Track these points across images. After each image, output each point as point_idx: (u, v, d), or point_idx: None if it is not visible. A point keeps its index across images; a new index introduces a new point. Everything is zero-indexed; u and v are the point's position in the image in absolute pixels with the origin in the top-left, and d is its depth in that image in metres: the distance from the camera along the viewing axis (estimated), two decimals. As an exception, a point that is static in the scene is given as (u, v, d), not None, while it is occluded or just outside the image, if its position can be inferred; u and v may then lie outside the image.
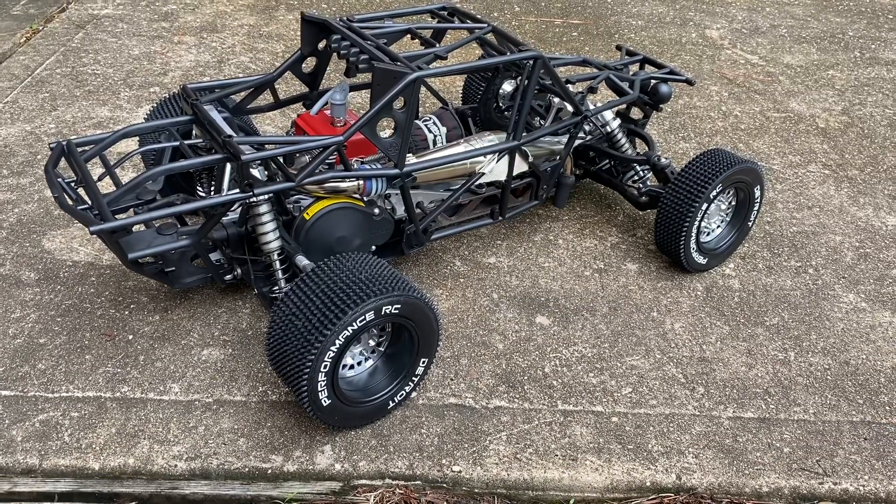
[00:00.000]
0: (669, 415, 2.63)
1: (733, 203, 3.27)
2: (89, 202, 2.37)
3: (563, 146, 3.19)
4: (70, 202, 2.34)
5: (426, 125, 3.17)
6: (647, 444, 2.51)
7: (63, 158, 2.50)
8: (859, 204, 3.86)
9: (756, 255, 3.43)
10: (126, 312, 2.88)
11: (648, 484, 2.40)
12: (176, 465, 2.34)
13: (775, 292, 3.22)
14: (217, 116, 2.61)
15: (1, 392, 2.53)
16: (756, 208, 3.26)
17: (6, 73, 4.57)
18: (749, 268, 3.35)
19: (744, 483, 2.42)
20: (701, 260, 3.20)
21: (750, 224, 3.30)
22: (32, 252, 3.15)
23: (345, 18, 2.88)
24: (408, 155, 2.77)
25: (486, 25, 2.99)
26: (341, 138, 2.46)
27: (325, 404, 2.27)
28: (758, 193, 3.21)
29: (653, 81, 3.43)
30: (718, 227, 3.30)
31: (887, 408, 2.70)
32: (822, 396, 2.74)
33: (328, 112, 2.97)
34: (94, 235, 2.31)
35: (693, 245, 3.11)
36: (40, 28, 5.21)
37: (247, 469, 2.35)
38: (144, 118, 3.10)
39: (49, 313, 2.85)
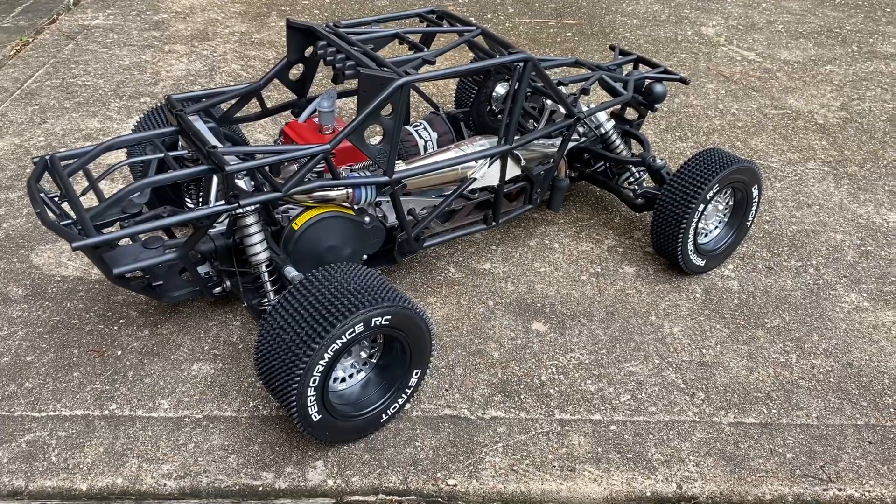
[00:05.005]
0: (669, 422, 2.57)
1: (731, 203, 3.21)
2: (73, 217, 2.33)
3: (556, 149, 3.14)
4: (53, 217, 2.30)
5: (417, 130, 3.12)
6: (646, 453, 2.46)
7: (47, 173, 2.45)
8: (860, 201, 3.80)
9: (755, 255, 3.38)
10: (115, 328, 2.83)
11: (648, 494, 2.35)
12: (165, 485, 2.29)
13: (775, 293, 3.16)
14: (202, 127, 2.57)
15: (-13, 412, 2.49)
16: (754, 208, 3.21)
17: (-5, 87, 4.53)
18: (748, 268, 3.30)
19: (746, 491, 2.36)
20: (699, 261, 3.15)
21: (748, 224, 3.25)
22: (20, 268, 3.10)
23: (331, 24, 2.83)
24: (398, 161, 2.72)
25: (475, 28, 2.95)
26: (328, 146, 2.42)
27: (315, 419, 2.22)
28: (756, 193, 3.15)
29: (647, 81, 3.38)
30: (716, 227, 3.24)
31: (892, 410, 2.65)
32: (825, 400, 2.68)
33: (316, 120, 2.92)
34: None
35: (690, 247, 3.06)
36: (30, 40, 5.17)
37: (237, 487, 2.30)
38: (132, 130, 3.06)
39: (37, 330, 2.81)
